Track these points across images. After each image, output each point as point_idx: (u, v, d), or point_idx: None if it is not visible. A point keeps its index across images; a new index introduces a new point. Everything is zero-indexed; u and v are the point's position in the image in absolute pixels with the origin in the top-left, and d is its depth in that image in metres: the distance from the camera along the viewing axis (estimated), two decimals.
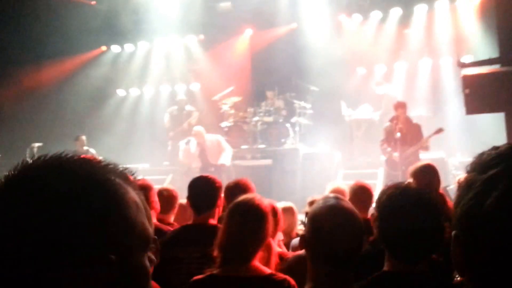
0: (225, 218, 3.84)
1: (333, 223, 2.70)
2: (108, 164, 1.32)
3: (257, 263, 3.72)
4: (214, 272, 3.70)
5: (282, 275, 3.71)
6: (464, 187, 1.33)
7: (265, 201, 3.97)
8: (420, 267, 2.89)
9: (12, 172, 1.21)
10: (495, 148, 1.36)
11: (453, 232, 1.34)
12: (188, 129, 17.38)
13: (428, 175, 6.36)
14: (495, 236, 1.21)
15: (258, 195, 4.04)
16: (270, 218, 3.88)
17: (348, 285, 2.74)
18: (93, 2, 19.20)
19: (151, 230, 1.33)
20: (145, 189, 5.40)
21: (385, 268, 2.98)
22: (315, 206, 2.86)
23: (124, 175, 1.32)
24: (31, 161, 1.24)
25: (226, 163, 15.64)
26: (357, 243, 2.75)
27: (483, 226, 1.23)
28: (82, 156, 1.30)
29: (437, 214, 2.91)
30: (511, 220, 1.19)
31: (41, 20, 18.15)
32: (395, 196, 2.98)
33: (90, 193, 1.18)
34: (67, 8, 18.51)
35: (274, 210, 4.79)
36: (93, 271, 1.14)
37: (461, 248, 1.31)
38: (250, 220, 3.74)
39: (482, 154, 1.38)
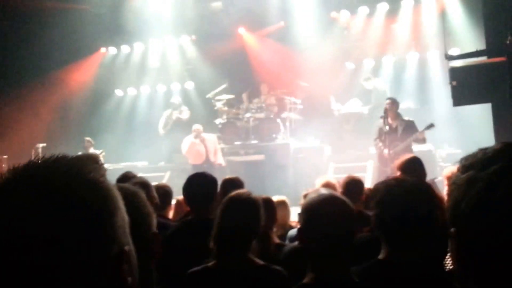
0: (219, 212, 3.83)
1: (327, 212, 2.76)
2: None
3: (250, 255, 3.72)
4: (209, 264, 3.70)
5: (275, 267, 3.74)
6: (464, 185, 1.31)
7: (257, 195, 3.98)
8: (414, 256, 2.86)
9: (18, 170, 1.19)
10: (485, 148, 1.37)
11: (453, 229, 1.33)
12: (177, 123, 17.66)
13: (413, 167, 6.30)
14: (508, 226, 1.20)
15: (249, 190, 4.05)
16: (262, 211, 3.87)
17: (347, 271, 2.79)
18: (88, 7, 18.98)
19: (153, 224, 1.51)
20: (145, 185, 5.40)
21: (380, 256, 2.98)
22: (308, 198, 2.93)
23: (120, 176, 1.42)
24: (36, 160, 1.22)
25: (223, 163, 15.88)
26: (351, 230, 2.83)
27: (495, 218, 1.21)
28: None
29: (433, 204, 2.91)
30: None
31: (40, 31, 17.90)
32: (394, 185, 3.01)
33: (88, 195, 1.18)
34: (63, 16, 18.24)
35: (270, 204, 5.02)
36: (109, 264, 1.17)
37: (465, 242, 1.30)
38: (243, 213, 3.74)
39: (474, 154, 1.38)
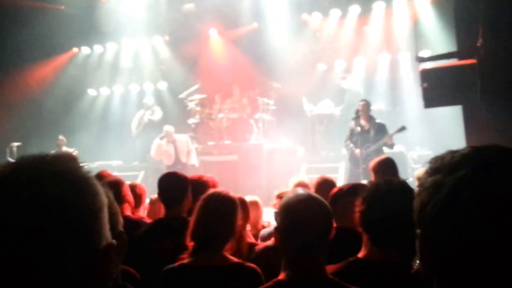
0: (197, 209, 3.87)
1: (304, 210, 2.76)
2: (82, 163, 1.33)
3: (225, 253, 3.78)
4: (185, 261, 3.73)
5: (249, 264, 3.79)
6: (431, 188, 1.34)
7: (235, 195, 4.07)
8: (395, 256, 2.95)
9: (8, 167, 1.22)
10: (454, 151, 1.40)
11: (419, 230, 1.39)
12: (149, 124, 17.59)
13: (386, 168, 6.46)
14: (471, 231, 1.23)
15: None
16: (240, 211, 4.00)
17: (323, 269, 2.79)
18: (62, 7, 18.83)
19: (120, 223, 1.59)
20: (117, 184, 5.71)
21: (360, 254, 3.05)
22: (285, 198, 2.92)
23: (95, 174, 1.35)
24: (17, 159, 1.26)
25: (196, 163, 15.70)
26: (328, 229, 2.80)
27: (459, 223, 1.25)
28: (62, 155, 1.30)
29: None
30: (485, 215, 1.22)
31: (13, 29, 17.67)
32: (381, 184, 3.10)
33: (82, 192, 1.23)
34: (37, 15, 18.00)
35: (244, 203, 5.03)
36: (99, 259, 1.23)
37: (429, 244, 1.34)
38: (222, 212, 3.81)
39: (442, 157, 1.40)
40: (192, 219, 3.88)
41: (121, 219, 2.30)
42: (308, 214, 2.76)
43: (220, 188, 4.28)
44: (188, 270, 3.69)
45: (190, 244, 3.79)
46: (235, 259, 3.79)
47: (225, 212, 3.83)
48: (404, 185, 3.11)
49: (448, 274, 1.30)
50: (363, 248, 3.07)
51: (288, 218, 2.83)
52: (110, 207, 1.67)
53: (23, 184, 1.18)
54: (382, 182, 3.11)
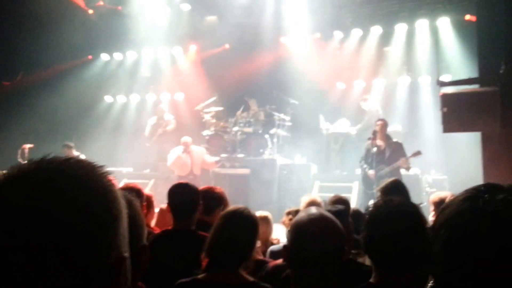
0: (217, 226, 3.76)
1: (315, 230, 2.68)
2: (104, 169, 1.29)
3: (241, 270, 3.64)
4: (199, 277, 3.63)
5: (264, 284, 3.64)
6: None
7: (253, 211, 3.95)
8: (404, 280, 2.76)
9: (17, 171, 1.18)
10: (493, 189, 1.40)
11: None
12: (163, 135, 17.46)
13: (395, 190, 6.32)
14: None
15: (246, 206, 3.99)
16: (259, 229, 3.88)
17: None
18: (91, 11, 18.86)
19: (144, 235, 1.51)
20: (139, 193, 5.61)
21: (372, 280, 2.88)
22: (297, 216, 2.84)
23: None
24: (33, 162, 1.21)
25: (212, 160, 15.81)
26: (339, 250, 2.72)
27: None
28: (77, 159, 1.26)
29: (421, 225, 2.83)
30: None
31: (35, 23, 17.65)
32: (381, 206, 2.94)
33: (99, 198, 1.19)
34: (62, 19, 18.01)
35: None
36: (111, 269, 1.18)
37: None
38: (243, 228, 3.70)
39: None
40: (210, 235, 3.76)
41: (145, 232, 2.17)
42: (318, 234, 2.68)
43: (241, 205, 4.10)
44: (201, 285, 3.59)
45: (204, 259, 3.71)
46: (250, 278, 3.67)
47: (246, 230, 3.73)
48: (405, 206, 2.95)
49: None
50: (373, 274, 2.90)
51: (298, 236, 2.76)
52: (134, 218, 1.69)
53: (39, 186, 1.14)
54: (381, 204, 2.96)
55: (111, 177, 1.28)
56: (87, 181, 1.19)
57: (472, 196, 1.41)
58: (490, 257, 1.29)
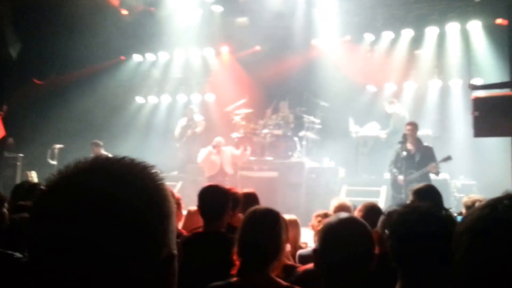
0: (241, 226, 3.74)
1: (344, 234, 2.71)
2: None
3: (273, 275, 3.59)
4: (232, 280, 3.56)
5: None
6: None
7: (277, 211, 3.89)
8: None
9: (71, 171, 1.20)
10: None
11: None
12: (192, 137, 17.60)
13: (429, 195, 6.06)
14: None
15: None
16: (286, 228, 3.86)
17: None
18: (126, 12, 18.99)
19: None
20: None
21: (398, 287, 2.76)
22: (327, 220, 2.88)
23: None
24: (87, 162, 1.24)
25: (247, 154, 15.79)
26: (368, 253, 2.74)
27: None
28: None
29: (450, 232, 2.55)
30: None
31: (69, 23, 17.82)
32: (408, 212, 2.77)
33: (150, 197, 1.22)
34: (96, 13, 18.15)
35: (283, 222, 4.55)
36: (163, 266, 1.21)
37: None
38: (268, 227, 3.64)
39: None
40: (237, 236, 3.72)
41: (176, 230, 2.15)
42: (346, 236, 2.70)
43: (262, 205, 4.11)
44: None
45: (237, 261, 3.62)
46: (284, 283, 3.58)
47: (267, 228, 3.64)
48: (433, 212, 2.79)
49: None
50: (398, 282, 2.75)
51: (326, 239, 2.78)
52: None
53: (92, 188, 1.16)
54: (408, 210, 2.79)
55: (161, 176, 1.31)
56: (139, 180, 1.23)
57: (492, 203, 1.42)
58: (509, 264, 1.30)
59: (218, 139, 15.48)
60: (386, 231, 2.88)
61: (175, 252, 1.27)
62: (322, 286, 2.74)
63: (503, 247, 1.33)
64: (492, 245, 1.35)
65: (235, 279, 3.56)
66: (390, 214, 3.28)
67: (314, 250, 2.89)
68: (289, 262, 4.97)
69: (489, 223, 1.39)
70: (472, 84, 11.45)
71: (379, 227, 4.08)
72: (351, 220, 2.80)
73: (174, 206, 1.31)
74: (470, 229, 1.43)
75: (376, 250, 3.22)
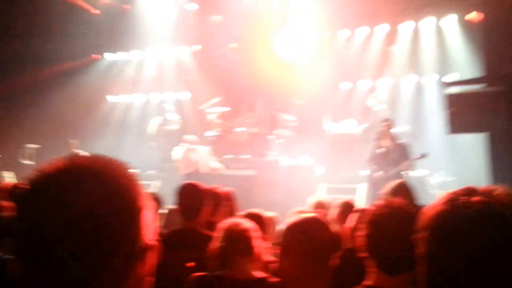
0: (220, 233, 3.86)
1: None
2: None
3: (251, 267, 3.77)
4: (211, 273, 3.77)
5: (274, 278, 3.71)
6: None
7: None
8: (402, 282, 2.78)
9: (49, 169, 1.27)
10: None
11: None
12: (168, 135, 17.49)
13: (402, 192, 6.13)
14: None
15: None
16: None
17: None
18: (97, 12, 18.88)
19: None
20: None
21: (368, 281, 2.90)
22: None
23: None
24: (65, 159, 1.32)
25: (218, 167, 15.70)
26: (329, 247, 2.93)
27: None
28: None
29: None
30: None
31: (40, 23, 17.69)
32: (383, 206, 2.96)
33: (124, 192, 1.30)
34: (68, 13, 18.11)
35: (261, 219, 5.06)
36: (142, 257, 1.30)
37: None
38: (242, 231, 3.81)
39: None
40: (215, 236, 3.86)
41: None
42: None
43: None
44: (212, 280, 3.72)
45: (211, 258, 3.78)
46: (260, 274, 3.77)
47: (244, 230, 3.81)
48: (407, 208, 2.95)
49: None
50: (370, 275, 2.90)
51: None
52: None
53: (69, 184, 1.25)
54: (383, 204, 2.97)
55: (134, 173, 1.39)
56: (114, 178, 1.31)
57: (451, 199, 1.52)
58: (470, 255, 1.40)
59: (190, 137, 15.49)
60: (360, 226, 3.02)
61: (151, 243, 1.34)
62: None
63: (463, 241, 1.42)
64: (453, 240, 1.44)
65: (216, 271, 3.75)
66: (364, 211, 3.34)
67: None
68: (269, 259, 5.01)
69: (449, 218, 1.49)
70: (444, 82, 11.53)
71: (354, 223, 4.21)
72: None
73: (148, 201, 1.37)
74: (430, 225, 1.53)
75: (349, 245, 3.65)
